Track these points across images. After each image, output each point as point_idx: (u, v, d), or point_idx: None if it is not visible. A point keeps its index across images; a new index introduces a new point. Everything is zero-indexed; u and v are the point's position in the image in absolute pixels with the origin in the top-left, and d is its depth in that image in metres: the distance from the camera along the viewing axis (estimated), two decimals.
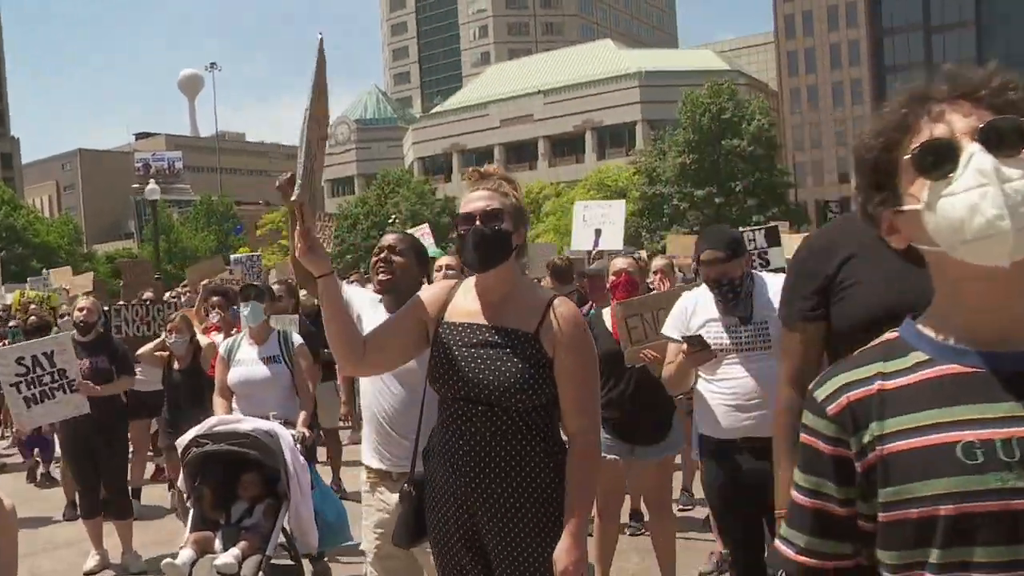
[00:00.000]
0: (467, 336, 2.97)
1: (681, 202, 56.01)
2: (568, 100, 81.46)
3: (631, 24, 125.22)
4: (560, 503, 2.91)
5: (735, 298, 4.12)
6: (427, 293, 3.16)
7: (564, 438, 3.04)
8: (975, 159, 1.30)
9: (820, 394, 1.51)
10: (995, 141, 1.31)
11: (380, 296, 4.00)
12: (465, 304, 3.05)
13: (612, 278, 5.67)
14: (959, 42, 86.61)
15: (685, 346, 4.10)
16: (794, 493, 1.54)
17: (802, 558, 1.52)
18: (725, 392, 4.12)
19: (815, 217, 67.61)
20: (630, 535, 6.88)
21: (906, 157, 1.39)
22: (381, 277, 3.90)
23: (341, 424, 9.15)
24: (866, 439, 1.41)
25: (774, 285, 4.16)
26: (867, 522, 1.44)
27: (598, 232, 12.94)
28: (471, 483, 2.91)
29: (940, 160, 1.34)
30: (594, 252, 12.35)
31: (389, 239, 4.02)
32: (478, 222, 2.92)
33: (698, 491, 7.67)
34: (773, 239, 7.48)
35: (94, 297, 7.59)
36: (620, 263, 5.78)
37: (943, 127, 1.36)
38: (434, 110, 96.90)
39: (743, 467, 4.08)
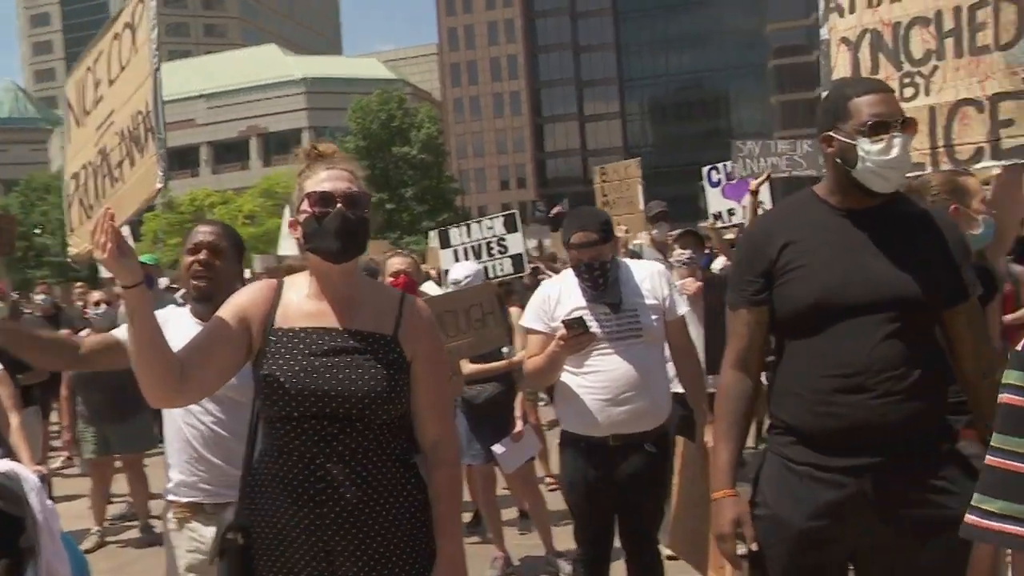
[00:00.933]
0: (314, 343, 2.54)
1: None
2: (232, 105, 78.82)
3: (295, 30, 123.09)
4: (426, 521, 2.62)
5: (605, 284, 3.91)
6: (247, 295, 2.65)
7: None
8: None
9: None
10: None
11: (184, 304, 3.42)
12: (302, 306, 2.60)
13: (390, 279, 5.35)
14: (603, 61, 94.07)
15: (561, 332, 3.81)
16: (1008, 463, 1.34)
17: None
18: (595, 385, 3.89)
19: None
20: None
21: None
22: (200, 283, 3.31)
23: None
24: None
25: (640, 271, 4.05)
26: None
27: None
28: (328, 514, 2.48)
29: None
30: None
31: (207, 234, 3.35)
32: (340, 205, 2.52)
33: None
34: (511, 226, 7.52)
35: None
36: (398, 263, 5.47)
37: None
38: None
39: (610, 466, 3.91)
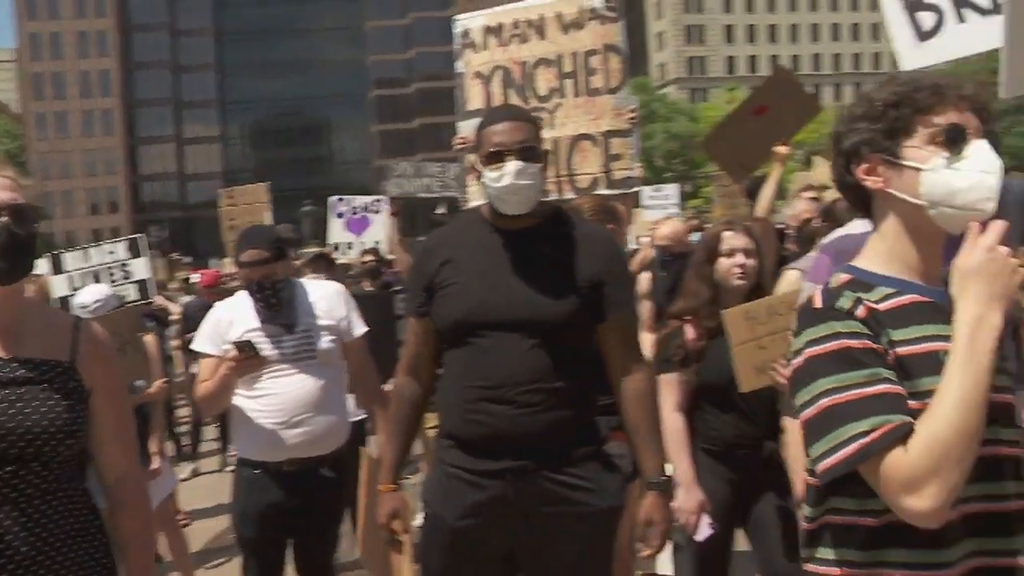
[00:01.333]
0: None
1: None
2: None
3: None
4: (112, 568, 2.42)
5: (279, 304, 3.79)
6: None
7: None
8: (984, 152, 1.69)
9: (843, 304, 1.72)
10: (992, 145, 1.72)
11: None
12: None
13: None
14: (203, 82, 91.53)
15: (232, 353, 3.68)
16: (858, 392, 1.64)
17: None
18: (268, 408, 3.75)
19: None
20: None
21: (936, 120, 1.71)
22: None
23: None
24: (883, 340, 1.68)
25: (315, 292, 3.97)
26: None
27: None
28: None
29: (958, 140, 1.70)
30: None
31: None
32: (5, 218, 2.23)
33: None
34: (135, 250, 7.23)
35: None
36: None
37: (960, 117, 1.72)
38: None
39: (286, 492, 3.78)
